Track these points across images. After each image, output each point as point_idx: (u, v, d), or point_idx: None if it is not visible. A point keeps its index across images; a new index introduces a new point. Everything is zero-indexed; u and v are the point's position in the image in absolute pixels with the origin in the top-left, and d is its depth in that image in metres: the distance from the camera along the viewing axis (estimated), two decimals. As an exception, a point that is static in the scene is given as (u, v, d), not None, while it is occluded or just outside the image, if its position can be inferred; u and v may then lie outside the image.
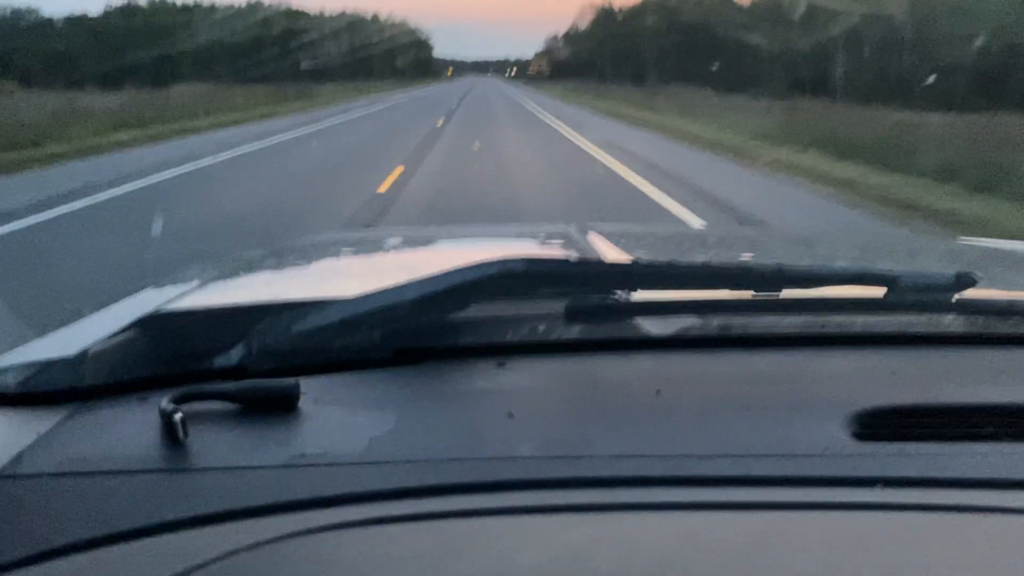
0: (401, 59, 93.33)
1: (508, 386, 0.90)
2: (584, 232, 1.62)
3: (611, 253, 1.46)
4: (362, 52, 70.58)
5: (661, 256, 1.59)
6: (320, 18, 71.07)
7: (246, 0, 64.95)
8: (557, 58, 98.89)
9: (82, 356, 0.91)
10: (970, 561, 0.62)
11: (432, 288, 0.91)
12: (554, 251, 1.63)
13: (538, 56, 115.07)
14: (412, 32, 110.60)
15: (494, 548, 0.64)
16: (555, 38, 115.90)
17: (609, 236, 1.60)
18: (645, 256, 1.56)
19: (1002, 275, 1.44)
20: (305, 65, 56.71)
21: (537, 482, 0.71)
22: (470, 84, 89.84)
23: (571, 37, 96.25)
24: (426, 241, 1.99)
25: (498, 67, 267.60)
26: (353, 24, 77.78)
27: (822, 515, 0.67)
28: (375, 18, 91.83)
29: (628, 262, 1.13)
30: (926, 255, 1.80)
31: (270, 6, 66.26)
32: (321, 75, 57.40)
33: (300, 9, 71.82)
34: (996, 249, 1.85)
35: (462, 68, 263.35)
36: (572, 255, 1.41)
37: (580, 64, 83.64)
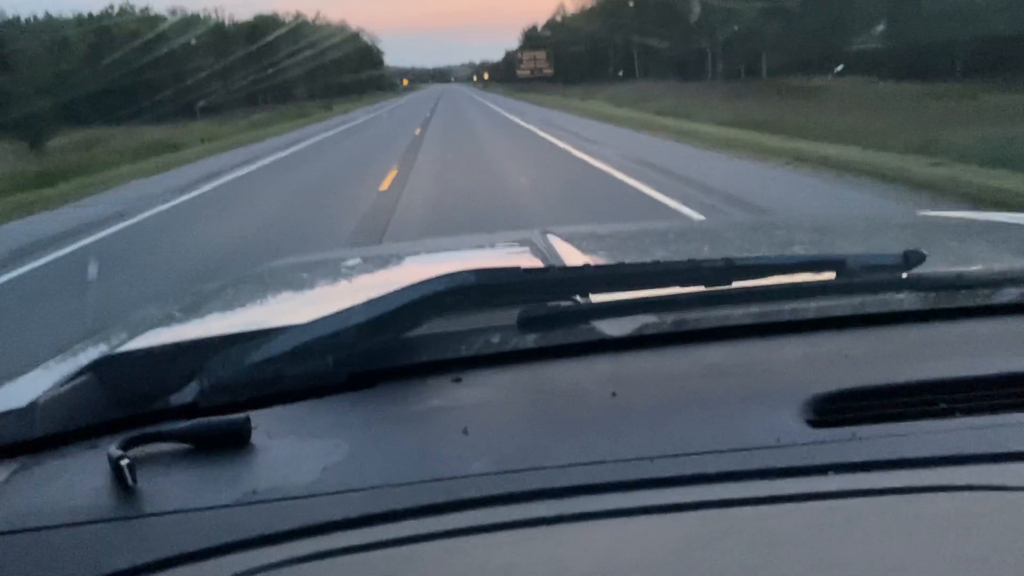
0: (332, 74, 70.47)
1: (464, 401, 0.89)
2: (546, 237, 1.60)
3: (573, 256, 1.44)
4: (267, 68, 48.23)
5: (622, 255, 1.63)
6: (192, 21, 47.72)
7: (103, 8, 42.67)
8: (548, 54, 72.50)
9: (31, 407, 0.88)
10: (922, 541, 0.62)
11: (382, 309, 0.90)
12: (512, 259, 1.63)
13: (526, 51, 78.48)
14: (353, 37, 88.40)
15: (448, 570, 0.63)
16: (534, 29, 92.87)
17: (571, 239, 1.59)
18: (606, 256, 1.60)
19: (956, 247, 1.48)
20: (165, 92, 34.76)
21: (489, 499, 0.70)
22: (433, 99, 66.20)
23: (562, 26, 73.30)
24: (386, 259, 1.97)
25: (461, 73, 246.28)
26: (259, 27, 55.45)
27: (775, 507, 0.67)
28: (301, 21, 69.20)
29: (578, 266, 1.13)
30: (884, 232, 1.84)
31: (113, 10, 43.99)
32: (190, 109, 35.37)
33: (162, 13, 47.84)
34: (955, 219, 1.93)
35: (422, 76, 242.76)
36: (531, 262, 1.42)
37: (580, 58, 60.94)
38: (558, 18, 77.82)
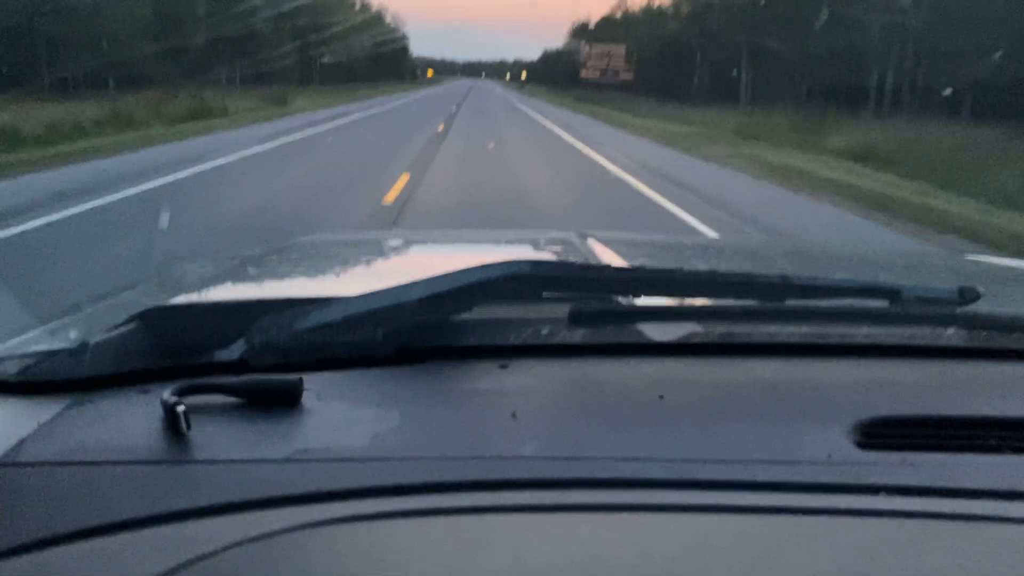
0: (340, 55, 56.74)
1: (511, 387, 0.90)
2: (584, 239, 1.60)
3: (612, 260, 1.45)
4: (231, 37, 35.03)
5: (662, 265, 1.60)
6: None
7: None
8: (629, 53, 48.29)
9: (84, 346, 0.90)
10: (971, 569, 0.62)
11: (437, 288, 0.91)
12: (553, 257, 1.63)
13: (597, 44, 53.24)
14: (371, 15, 75.28)
15: (497, 545, 0.64)
16: (584, 27, 78.61)
17: (609, 243, 1.59)
18: (647, 264, 1.57)
19: (1004, 291, 1.47)
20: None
21: (541, 482, 0.71)
22: (455, 99, 46.55)
23: (623, 25, 58.55)
24: (427, 244, 1.96)
25: (493, 70, 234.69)
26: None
27: (825, 520, 0.67)
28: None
29: (633, 268, 1.14)
30: (927, 270, 1.82)
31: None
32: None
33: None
34: (1000, 267, 1.87)
35: (451, 69, 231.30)
36: (574, 261, 1.43)
37: (649, 65, 46.41)
38: (617, 15, 63.26)
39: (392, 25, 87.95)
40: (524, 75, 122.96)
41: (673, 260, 1.77)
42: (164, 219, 7.31)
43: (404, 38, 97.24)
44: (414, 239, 2.11)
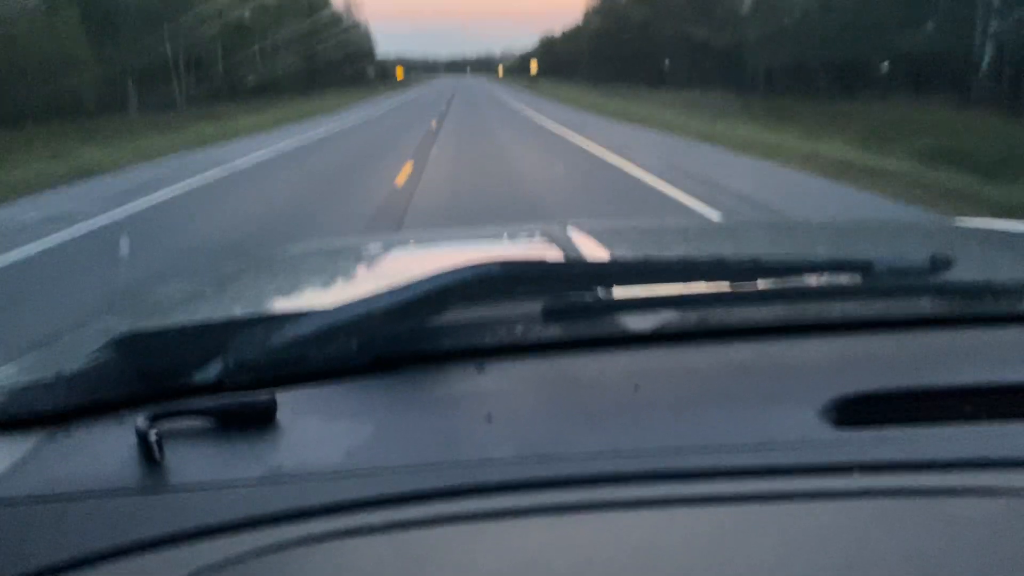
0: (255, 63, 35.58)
1: (487, 389, 0.90)
2: (565, 229, 1.60)
3: (592, 250, 1.44)
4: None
5: (643, 250, 1.61)
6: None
7: None
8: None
9: (57, 378, 0.90)
10: (947, 543, 0.62)
11: (408, 295, 0.91)
12: (534, 251, 1.62)
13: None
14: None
15: (472, 552, 0.64)
16: None
17: (591, 232, 1.58)
18: (627, 251, 1.58)
19: (984, 255, 1.46)
20: None
21: (515, 484, 0.71)
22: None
23: None
24: (407, 246, 1.96)
25: (480, 65, 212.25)
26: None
27: (799, 504, 0.67)
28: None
29: (604, 260, 1.13)
30: (913, 237, 1.80)
31: None
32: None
33: None
34: (987, 228, 1.84)
35: (434, 68, 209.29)
36: (552, 254, 1.42)
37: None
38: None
39: (345, 20, 65.37)
40: (534, 66, 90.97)
41: (654, 245, 1.77)
42: (124, 247, 7.19)
43: (365, 35, 75.13)
44: (394, 242, 2.11)
